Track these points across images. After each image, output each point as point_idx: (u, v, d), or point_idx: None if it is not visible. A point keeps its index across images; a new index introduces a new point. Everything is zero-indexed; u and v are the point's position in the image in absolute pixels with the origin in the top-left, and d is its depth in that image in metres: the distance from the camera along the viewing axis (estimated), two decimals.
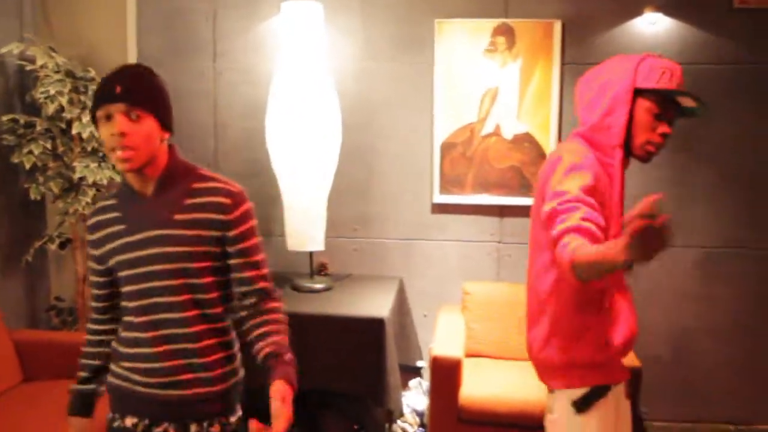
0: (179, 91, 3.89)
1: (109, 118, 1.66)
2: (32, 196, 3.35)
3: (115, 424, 1.81)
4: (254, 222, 1.80)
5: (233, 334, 1.86)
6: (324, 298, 3.38)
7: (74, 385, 1.88)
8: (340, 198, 3.76)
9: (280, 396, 1.61)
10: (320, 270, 3.82)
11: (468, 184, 3.72)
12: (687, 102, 1.86)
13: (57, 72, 3.32)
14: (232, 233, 1.75)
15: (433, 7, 3.66)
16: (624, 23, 3.56)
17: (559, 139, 3.64)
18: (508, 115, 3.64)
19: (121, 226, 1.76)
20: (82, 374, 1.88)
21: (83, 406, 1.87)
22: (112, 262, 1.78)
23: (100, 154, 3.44)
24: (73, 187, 3.41)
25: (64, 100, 3.31)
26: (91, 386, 1.88)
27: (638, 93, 1.86)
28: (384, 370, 3.06)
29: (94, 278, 1.87)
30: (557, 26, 3.56)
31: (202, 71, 3.86)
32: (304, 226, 3.47)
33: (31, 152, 3.28)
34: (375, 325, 3.07)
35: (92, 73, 3.60)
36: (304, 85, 3.34)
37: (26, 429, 2.66)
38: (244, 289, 1.79)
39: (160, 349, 1.73)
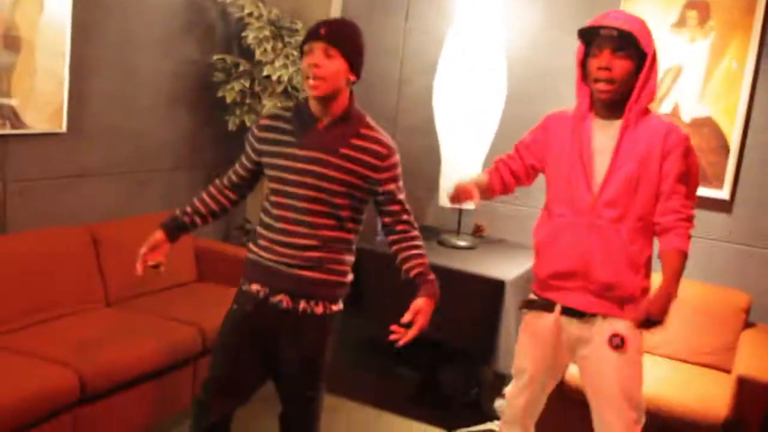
0: (372, 47, 4.17)
1: (311, 51, 2.11)
2: (230, 127, 3.88)
3: (244, 287, 2.27)
4: (399, 170, 2.25)
5: (352, 249, 2.28)
6: (462, 255, 3.50)
7: (177, 213, 2.33)
8: None
9: (421, 308, 2.22)
10: (476, 231, 3.92)
11: None
12: (607, 32, 2.08)
13: (258, 19, 3.77)
14: (383, 176, 2.20)
15: None
16: None
17: (746, 127, 3.31)
18: (690, 96, 3.39)
19: (292, 138, 2.19)
20: (187, 209, 2.33)
21: (172, 229, 2.32)
22: (269, 160, 2.22)
23: (287, 94, 3.87)
24: None
25: (266, 46, 3.78)
26: (186, 221, 2.32)
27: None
28: (497, 331, 3.11)
29: (243, 161, 2.33)
30: (761, 3, 3.21)
31: (395, 29, 4.11)
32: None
33: (233, 88, 3.80)
34: (496, 286, 3.13)
35: (298, 25, 4.04)
36: (473, 50, 3.44)
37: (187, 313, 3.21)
38: (391, 219, 2.26)
39: (291, 239, 2.17)
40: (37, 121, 3.16)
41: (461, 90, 3.47)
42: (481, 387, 3.50)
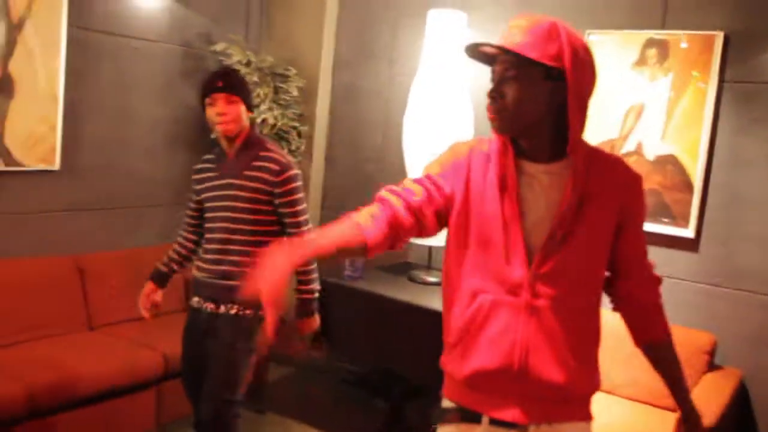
0: (359, 90, 4.38)
1: (213, 102, 2.54)
2: None
3: (191, 301, 2.73)
4: (295, 185, 2.57)
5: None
6: (429, 291, 3.54)
7: (158, 264, 2.81)
8: None
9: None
10: None
11: None
12: (489, 49, 1.60)
13: (247, 66, 4.02)
14: (278, 190, 2.55)
15: (587, 19, 3.54)
16: None
17: (709, 164, 3.25)
18: (652, 134, 3.36)
19: (213, 173, 2.66)
20: (165, 260, 2.81)
21: (158, 279, 2.80)
22: (203, 196, 2.67)
23: (273, 138, 4.08)
24: None
25: (258, 91, 4.02)
26: (166, 270, 2.81)
27: None
28: None
29: (191, 204, 2.77)
30: (719, 40, 3.18)
31: (379, 73, 4.28)
32: None
33: None
34: None
35: (292, 72, 4.27)
36: (439, 90, 3.55)
37: (158, 340, 3.38)
38: (287, 227, 2.59)
39: (213, 256, 2.60)
40: (29, 160, 3.47)
41: (429, 127, 3.57)
42: None
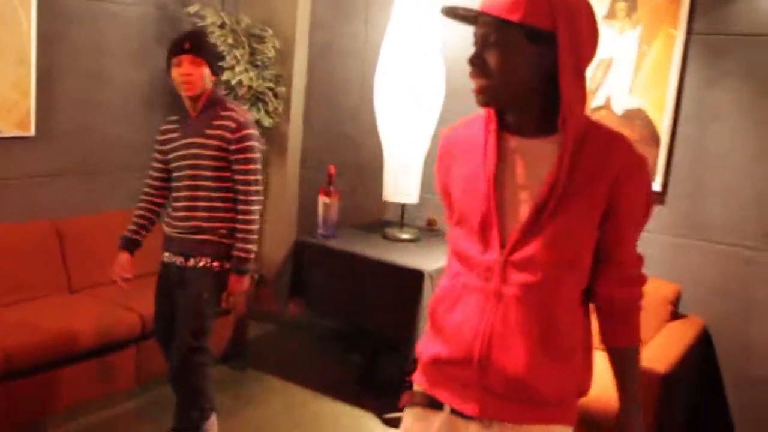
0: (336, 50, 4.38)
1: (179, 63, 2.65)
2: None
3: (162, 256, 2.86)
4: (251, 143, 2.69)
5: (228, 216, 2.73)
6: (401, 248, 3.59)
7: (127, 232, 2.88)
8: None
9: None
10: (429, 224, 4.01)
11: None
12: (463, 11, 1.45)
13: (221, 27, 4.02)
14: (233, 147, 2.67)
15: None
16: None
17: (675, 118, 3.26)
18: (621, 88, 3.37)
19: (177, 134, 2.77)
20: (132, 227, 2.89)
21: (128, 246, 2.88)
22: (168, 156, 2.79)
23: (250, 100, 4.09)
24: None
25: (235, 53, 4.03)
26: (136, 237, 2.89)
27: None
28: (416, 321, 3.19)
29: (155, 163, 2.87)
30: None
31: (355, 34, 4.27)
32: (399, 180, 3.70)
33: None
34: (415, 276, 3.22)
35: (268, 33, 4.26)
36: (411, 48, 3.55)
37: (138, 301, 3.46)
38: (238, 186, 2.71)
39: (180, 213, 2.74)
40: (4, 126, 3.50)
41: (401, 87, 3.58)
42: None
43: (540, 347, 1.42)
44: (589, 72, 3.38)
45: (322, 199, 3.64)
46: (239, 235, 2.72)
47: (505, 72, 1.39)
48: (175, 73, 2.68)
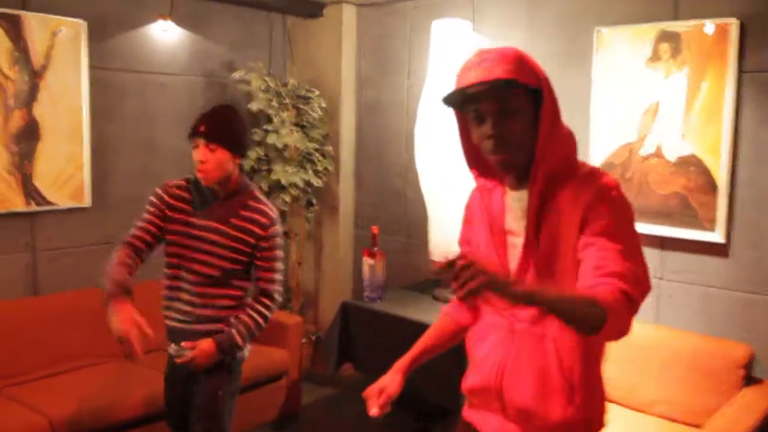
0: (382, 104, 4.37)
1: (197, 146, 2.42)
2: None
3: (168, 349, 2.57)
4: (280, 240, 2.53)
5: (239, 307, 2.51)
6: None
7: (120, 289, 2.30)
8: None
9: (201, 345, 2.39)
10: None
11: None
12: (473, 89, 1.49)
13: (266, 91, 4.08)
14: (262, 244, 2.48)
15: (596, 15, 3.38)
16: None
17: (734, 162, 3.02)
18: (671, 134, 3.16)
19: (191, 208, 2.48)
20: (124, 275, 2.35)
21: (126, 292, 2.31)
22: (172, 226, 2.48)
23: (298, 160, 4.11)
24: (279, 187, 4.15)
25: (281, 115, 4.08)
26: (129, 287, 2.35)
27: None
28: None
29: (144, 224, 2.50)
30: (733, 27, 2.96)
31: (399, 86, 4.25)
32: (446, 238, 3.59)
33: (249, 157, 4.11)
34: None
35: (315, 93, 4.31)
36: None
37: None
38: (255, 282, 2.52)
39: (193, 297, 2.46)
40: (59, 199, 3.65)
41: (439, 141, 3.51)
42: None
43: (544, 377, 1.57)
44: (636, 118, 3.24)
45: (367, 261, 3.58)
46: (247, 321, 2.47)
47: (525, 136, 1.52)
48: (194, 155, 2.43)
